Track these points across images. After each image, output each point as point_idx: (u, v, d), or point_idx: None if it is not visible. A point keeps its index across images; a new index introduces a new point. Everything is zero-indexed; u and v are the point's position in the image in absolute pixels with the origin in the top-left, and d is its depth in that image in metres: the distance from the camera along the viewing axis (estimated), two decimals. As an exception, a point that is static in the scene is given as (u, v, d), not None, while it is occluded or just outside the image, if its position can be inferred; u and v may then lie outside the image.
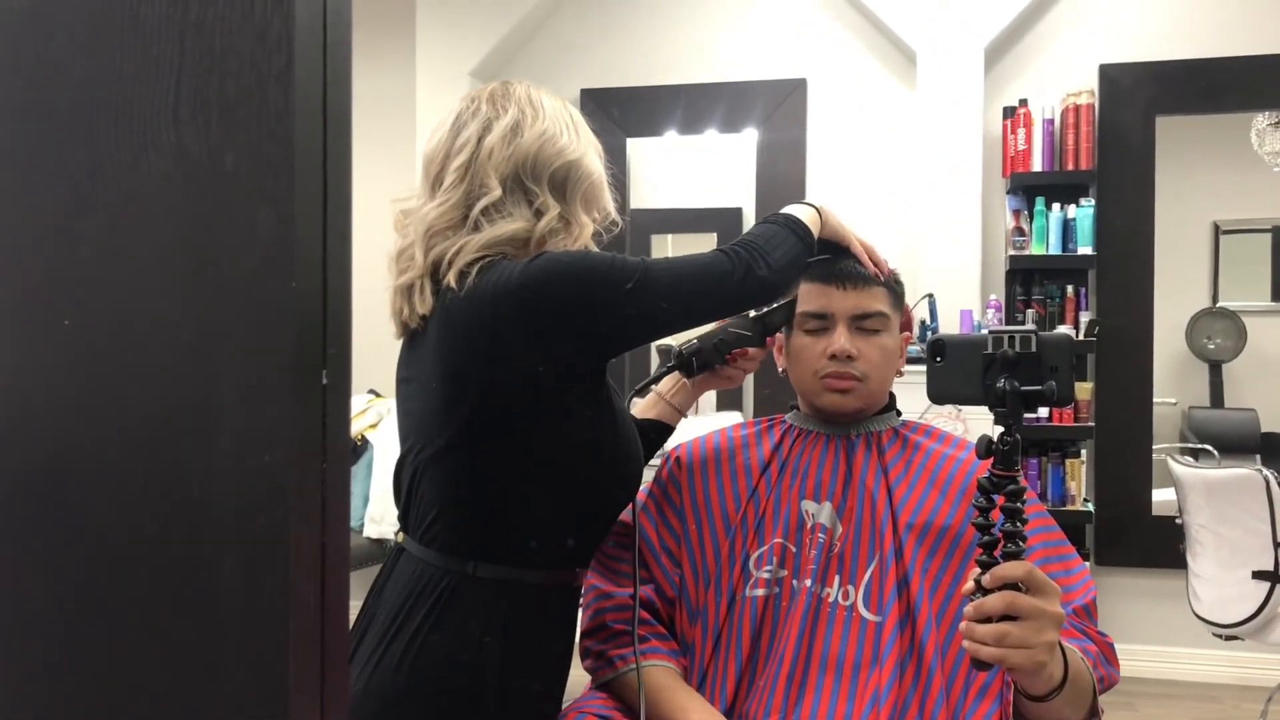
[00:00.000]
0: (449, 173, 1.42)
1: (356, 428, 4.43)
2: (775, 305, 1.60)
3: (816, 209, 1.54)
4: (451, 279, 1.36)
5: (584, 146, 1.47)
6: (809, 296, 1.55)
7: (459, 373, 1.35)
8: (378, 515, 4.33)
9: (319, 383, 0.73)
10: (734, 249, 1.40)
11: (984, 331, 1.20)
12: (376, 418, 4.47)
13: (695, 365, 1.63)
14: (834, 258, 1.56)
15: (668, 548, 1.58)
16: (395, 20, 4.78)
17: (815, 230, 1.51)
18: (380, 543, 4.37)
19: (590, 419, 1.40)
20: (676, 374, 1.67)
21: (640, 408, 1.69)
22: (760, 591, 1.48)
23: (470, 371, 1.34)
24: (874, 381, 1.54)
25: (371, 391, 4.65)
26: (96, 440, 0.70)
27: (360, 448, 4.40)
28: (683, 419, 1.71)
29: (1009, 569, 1.11)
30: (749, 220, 4.71)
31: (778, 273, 1.41)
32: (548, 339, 1.32)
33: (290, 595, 0.66)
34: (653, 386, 1.71)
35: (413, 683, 1.35)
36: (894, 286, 1.58)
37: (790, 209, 1.52)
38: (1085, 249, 4.15)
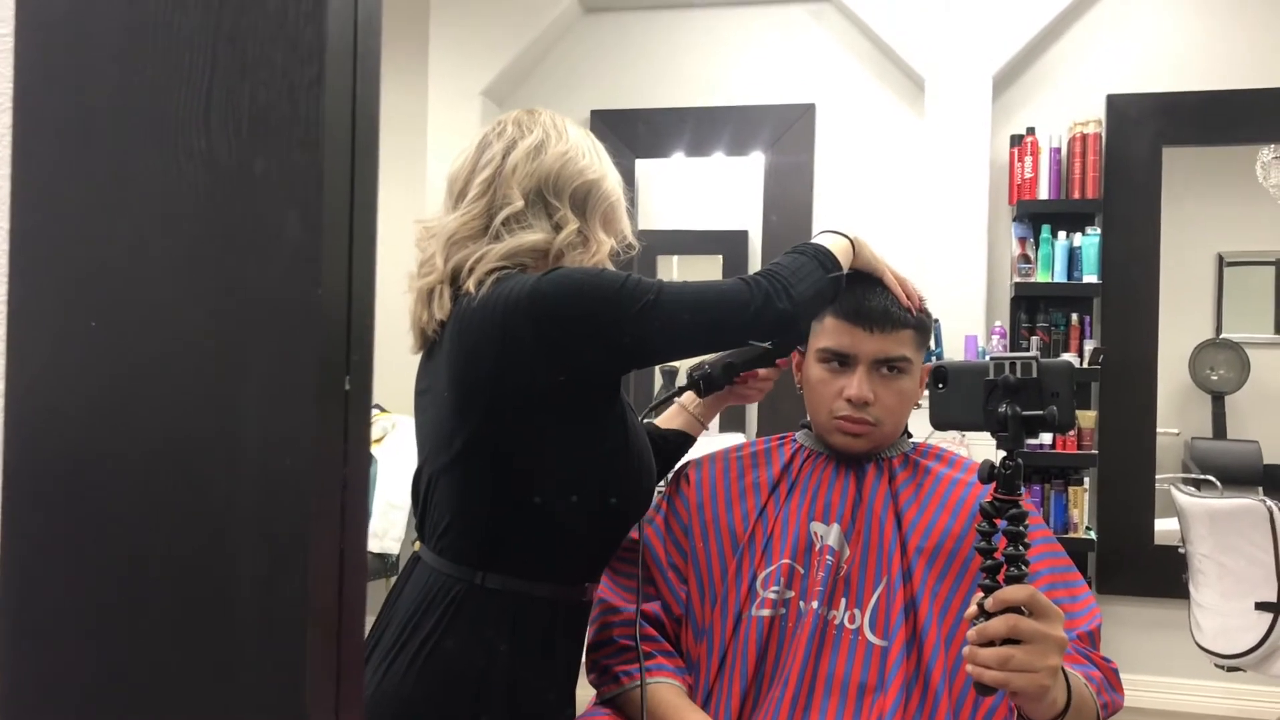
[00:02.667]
0: (473, 186, 1.46)
1: (363, 442, 4.42)
2: None
3: (850, 239, 1.51)
4: (470, 285, 1.38)
5: (604, 170, 1.51)
6: (833, 332, 1.52)
7: (468, 383, 1.37)
8: (381, 531, 4.33)
9: (342, 389, 0.73)
10: (755, 278, 1.39)
11: (986, 358, 1.21)
12: (381, 432, 4.47)
13: (703, 387, 1.67)
14: (864, 294, 1.52)
15: (675, 564, 1.58)
16: (408, 39, 4.81)
17: (847, 261, 1.48)
18: (383, 558, 4.36)
19: (600, 434, 1.41)
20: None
21: (664, 418, 1.73)
22: (766, 612, 1.48)
23: (479, 382, 1.37)
24: (888, 425, 1.53)
25: (377, 406, 4.65)
26: (121, 443, 0.70)
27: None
28: (704, 431, 1.75)
29: (1011, 593, 1.11)
30: (754, 243, 4.72)
31: (798, 306, 1.39)
32: (554, 354, 1.34)
33: (308, 601, 0.67)
34: (669, 403, 1.75)
35: (420, 690, 1.36)
36: (924, 323, 1.55)
37: (822, 238, 1.49)
38: (1090, 277, 4.16)
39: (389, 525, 4.31)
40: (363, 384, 0.77)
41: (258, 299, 0.69)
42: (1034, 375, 1.15)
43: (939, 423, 1.24)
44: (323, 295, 0.71)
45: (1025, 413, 1.14)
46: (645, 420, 1.70)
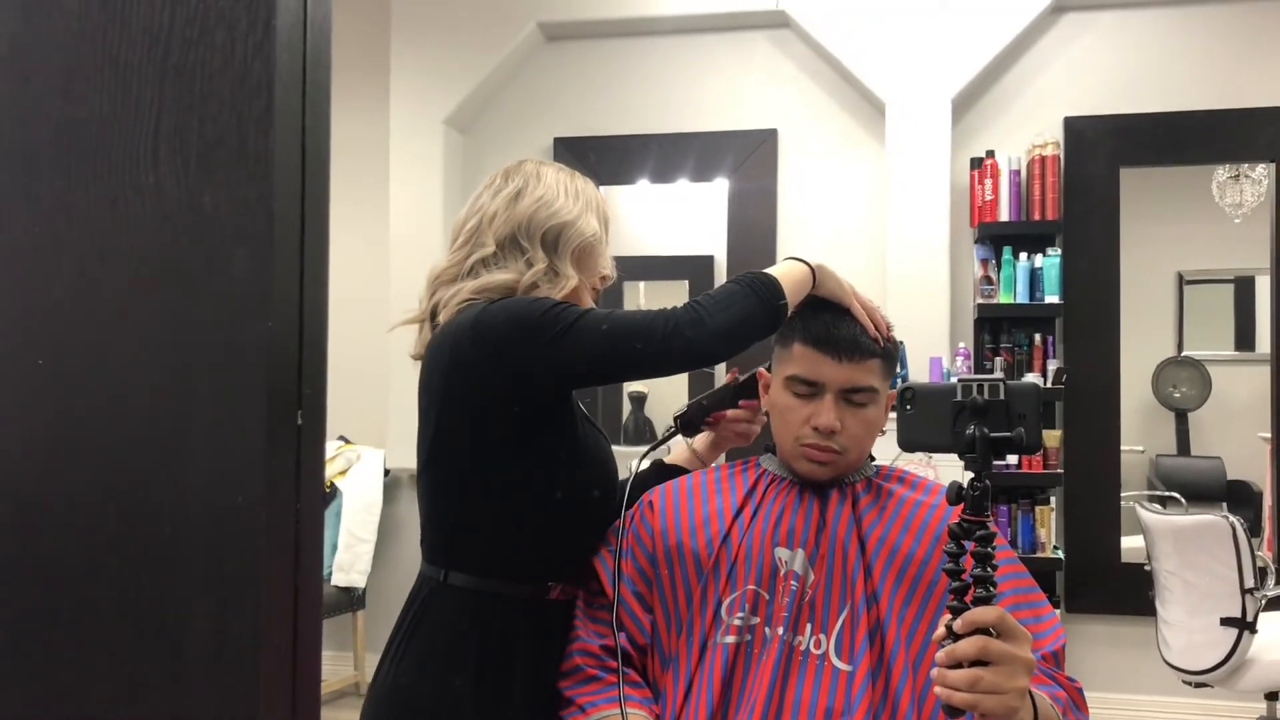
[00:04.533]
0: (461, 234, 1.64)
1: (326, 474, 4.40)
2: (749, 375, 1.68)
3: (812, 267, 1.53)
4: (443, 317, 1.56)
5: (579, 210, 1.64)
6: (801, 360, 1.52)
7: (429, 397, 1.55)
8: (346, 564, 4.29)
9: (294, 423, 0.73)
10: (675, 308, 1.45)
11: (953, 380, 1.22)
12: (346, 464, 4.44)
13: (679, 426, 1.74)
14: (832, 322, 1.52)
15: (639, 593, 1.57)
16: (369, 69, 4.81)
17: (802, 290, 1.51)
18: (349, 591, 4.33)
19: (545, 444, 1.53)
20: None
21: (672, 456, 1.82)
22: (732, 639, 1.47)
23: (435, 396, 1.54)
24: (853, 453, 1.53)
25: (341, 438, 4.62)
26: (69, 479, 0.69)
27: (329, 495, 4.36)
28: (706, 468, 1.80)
29: (981, 614, 1.11)
30: (720, 268, 4.74)
31: (711, 337, 1.43)
32: (492, 371, 1.48)
33: (262, 637, 0.66)
34: (670, 442, 1.83)
35: (395, 684, 1.51)
36: (891, 353, 1.56)
37: (777, 266, 1.52)
38: (1052, 298, 4.20)
39: (354, 559, 4.28)
40: (315, 418, 0.77)
41: (207, 333, 0.68)
42: (1001, 397, 1.16)
43: (907, 444, 1.24)
44: (273, 329, 0.71)
45: (993, 434, 1.14)
46: (654, 459, 1.81)
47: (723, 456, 1.84)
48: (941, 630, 1.14)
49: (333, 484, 4.39)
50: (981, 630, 1.11)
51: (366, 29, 4.83)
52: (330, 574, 4.29)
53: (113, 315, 0.70)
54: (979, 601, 1.12)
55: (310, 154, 0.75)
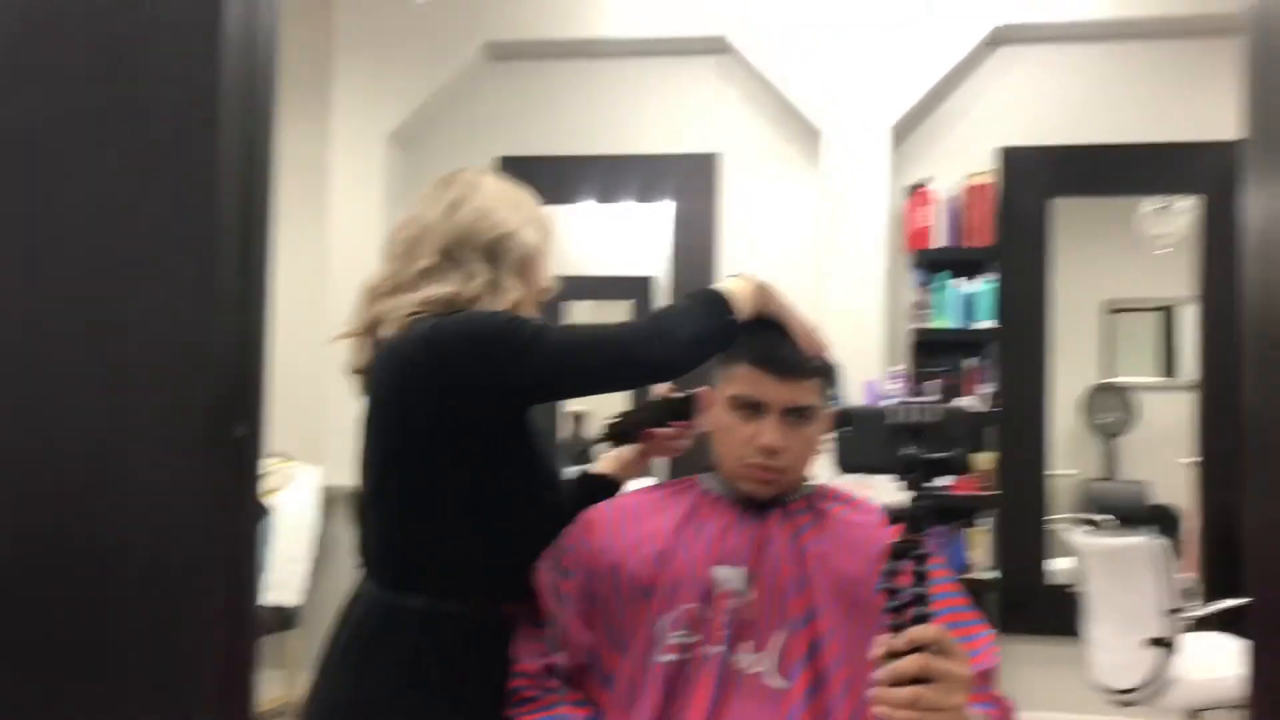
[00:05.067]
0: (398, 244, 1.61)
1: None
2: (683, 395, 1.67)
3: (757, 285, 1.54)
4: (387, 331, 1.53)
5: (520, 221, 1.61)
6: (744, 380, 1.52)
7: (380, 415, 1.53)
8: (279, 582, 4.21)
9: (233, 435, 0.72)
10: (638, 322, 1.49)
11: (892, 403, 1.25)
12: (281, 482, 4.36)
13: (611, 436, 1.74)
14: (775, 342, 1.53)
15: (580, 612, 1.56)
16: (312, 83, 4.76)
17: (749, 308, 1.51)
18: (280, 610, 4.25)
19: (501, 466, 1.53)
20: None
21: (598, 464, 1.80)
22: (670, 657, 1.47)
23: (389, 414, 1.52)
24: (794, 471, 1.54)
25: (277, 454, 4.55)
26: (7, 493, 0.68)
27: (264, 512, 4.29)
28: (633, 479, 1.80)
29: (921, 632, 1.12)
30: (662, 289, 4.76)
31: (678, 351, 1.45)
32: (447, 391, 1.46)
33: (199, 647, 0.65)
34: (600, 448, 1.82)
35: (349, 706, 1.50)
36: (828, 371, 1.57)
37: (722, 284, 1.53)
38: (985, 323, 4.28)
39: (288, 577, 4.20)
40: (255, 429, 0.76)
41: (146, 344, 0.68)
42: (937, 419, 1.18)
43: (846, 466, 1.25)
44: (213, 340, 0.70)
45: (930, 456, 1.16)
46: (579, 467, 1.80)
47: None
48: (881, 649, 1.15)
49: (268, 501, 4.32)
50: (921, 648, 1.12)
51: (310, 43, 4.78)
52: (263, 592, 4.22)
53: (50, 324, 0.69)
54: (917, 620, 1.14)
55: (254, 164, 0.75)
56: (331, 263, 4.59)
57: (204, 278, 0.70)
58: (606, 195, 4.77)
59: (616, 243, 4.99)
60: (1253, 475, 0.76)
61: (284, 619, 4.29)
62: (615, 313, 4.90)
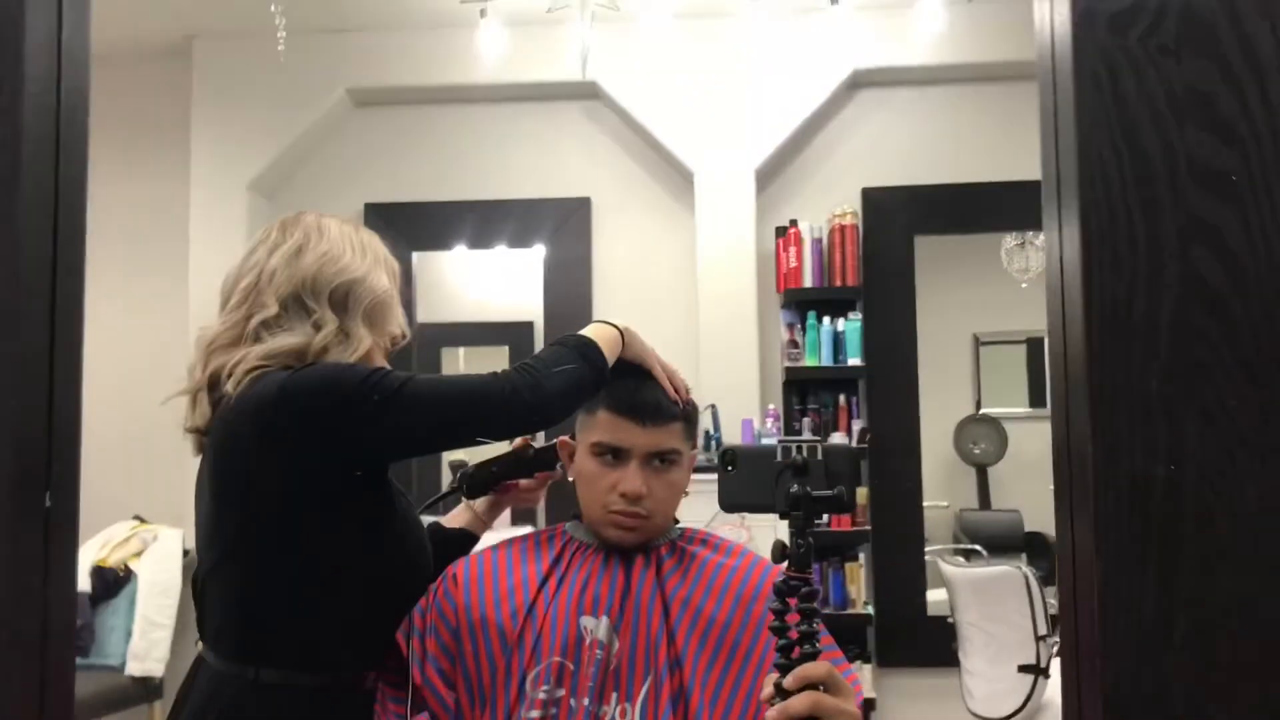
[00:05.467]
0: (236, 293, 1.51)
1: (119, 556, 4.15)
2: (546, 445, 1.64)
3: (620, 330, 1.53)
4: (229, 387, 1.42)
5: (368, 266, 1.54)
6: (606, 426, 1.52)
7: (226, 481, 1.43)
8: (142, 652, 4.03)
9: (42, 505, 0.69)
10: (506, 372, 1.42)
11: (771, 441, 1.26)
12: (141, 545, 4.19)
13: (466, 490, 1.68)
14: (636, 387, 1.53)
15: (442, 670, 1.52)
16: (169, 130, 4.63)
17: (614, 352, 1.50)
18: (145, 681, 4.07)
19: (362, 525, 1.45)
20: None
21: (450, 516, 1.74)
22: (536, 713, 1.44)
23: (236, 480, 1.42)
24: (659, 517, 1.53)
25: (137, 518, 4.37)
26: None
27: (123, 579, 4.11)
28: (488, 529, 1.75)
29: (811, 669, 1.13)
30: (539, 334, 4.74)
31: (550, 399, 1.41)
32: (306, 447, 1.39)
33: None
34: (450, 501, 1.76)
35: None
36: (690, 415, 1.57)
37: (590, 329, 1.51)
38: (855, 360, 4.36)
39: (151, 645, 4.03)
40: (67, 498, 0.72)
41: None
42: (819, 457, 1.19)
43: (728, 505, 1.26)
44: (17, 407, 0.67)
45: (817, 494, 1.17)
46: (430, 519, 1.71)
47: (507, 519, 1.81)
48: (769, 689, 1.14)
49: (127, 567, 4.14)
50: (811, 685, 1.12)
51: (168, 91, 4.67)
52: (125, 663, 4.03)
53: None
54: (806, 657, 1.14)
55: (64, 221, 0.72)
56: (193, 314, 4.45)
57: (5, 345, 0.67)
58: (478, 241, 4.75)
59: (494, 288, 4.97)
60: (1060, 506, 0.78)
61: (148, 690, 4.11)
62: (494, 358, 4.86)
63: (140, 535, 4.24)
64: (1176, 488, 0.71)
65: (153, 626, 4.07)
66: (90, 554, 4.15)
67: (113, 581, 4.10)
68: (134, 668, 4.03)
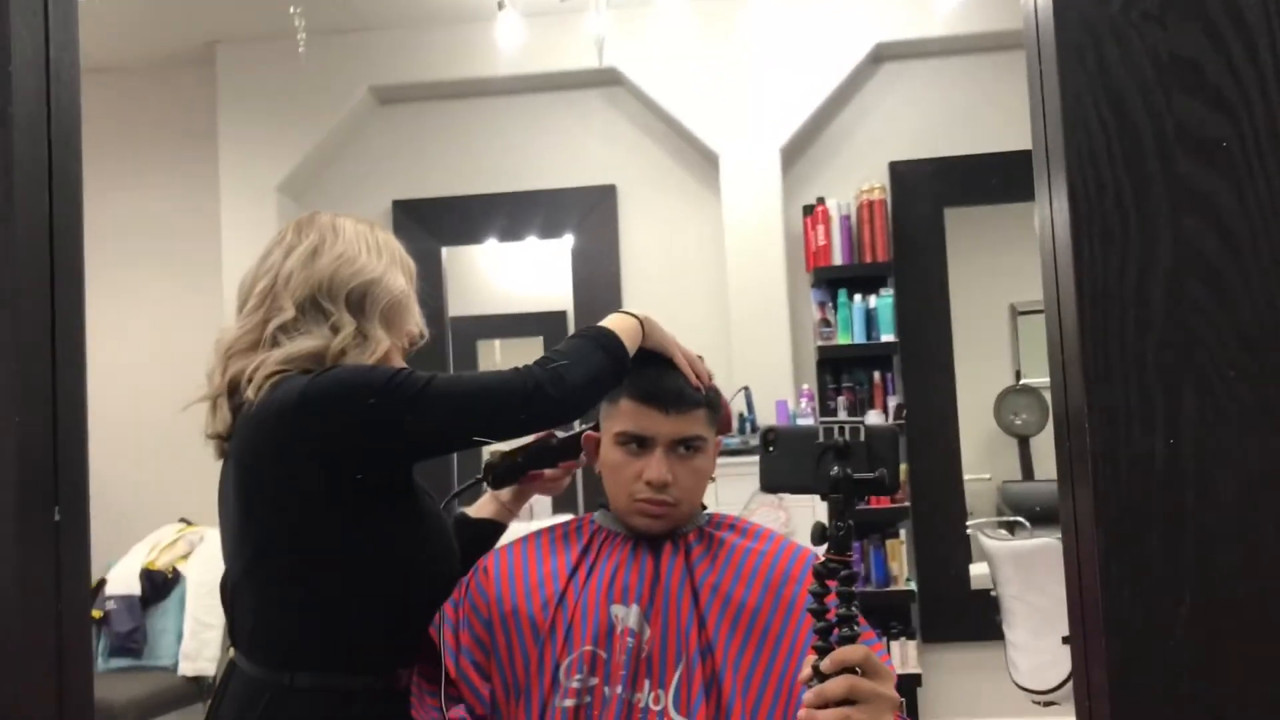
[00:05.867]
0: (252, 296, 1.50)
1: (167, 559, 4.22)
2: (572, 433, 1.64)
3: (639, 319, 1.53)
4: (250, 393, 1.41)
5: (385, 266, 1.53)
6: (629, 415, 1.52)
7: (252, 487, 1.42)
8: (193, 652, 4.10)
9: (51, 519, 0.70)
10: (529, 366, 1.42)
11: (813, 422, 1.24)
12: (188, 547, 4.26)
13: (492, 481, 1.68)
14: (658, 375, 1.53)
15: (476, 662, 1.53)
16: (197, 134, 4.69)
17: (634, 342, 1.50)
18: (198, 680, 4.14)
19: (389, 526, 1.44)
20: None
21: (476, 507, 1.73)
22: (570, 702, 1.45)
23: (262, 486, 1.41)
24: (686, 504, 1.53)
25: (183, 520, 4.43)
26: None
27: (172, 581, 4.18)
28: (515, 520, 1.75)
29: (848, 653, 1.12)
30: (571, 323, 4.75)
31: (573, 392, 1.41)
32: (331, 451, 1.38)
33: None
34: (474, 492, 1.74)
35: None
36: (714, 401, 1.57)
37: (609, 320, 1.51)
38: (888, 336, 4.33)
39: (201, 645, 4.09)
40: (76, 512, 0.73)
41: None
42: (862, 439, 1.18)
43: (769, 485, 1.25)
44: (22, 423, 0.68)
45: (857, 475, 1.16)
46: (459, 509, 1.72)
47: (549, 506, 1.81)
48: (808, 671, 1.14)
49: (175, 569, 4.21)
50: (848, 669, 1.12)
51: (193, 97, 4.72)
52: (177, 663, 4.10)
53: None
54: (843, 641, 1.13)
55: (60, 241, 0.73)
56: (227, 315, 4.51)
57: (5, 363, 0.68)
58: (506, 233, 4.76)
59: (525, 279, 4.98)
60: (1062, 479, 0.78)
61: (201, 690, 4.18)
62: (529, 349, 4.88)
63: (186, 537, 4.31)
64: (1175, 458, 0.70)
65: (203, 627, 4.14)
66: (139, 557, 4.23)
67: (162, 584, 4.17)
68: (186, 668, 4.10)
